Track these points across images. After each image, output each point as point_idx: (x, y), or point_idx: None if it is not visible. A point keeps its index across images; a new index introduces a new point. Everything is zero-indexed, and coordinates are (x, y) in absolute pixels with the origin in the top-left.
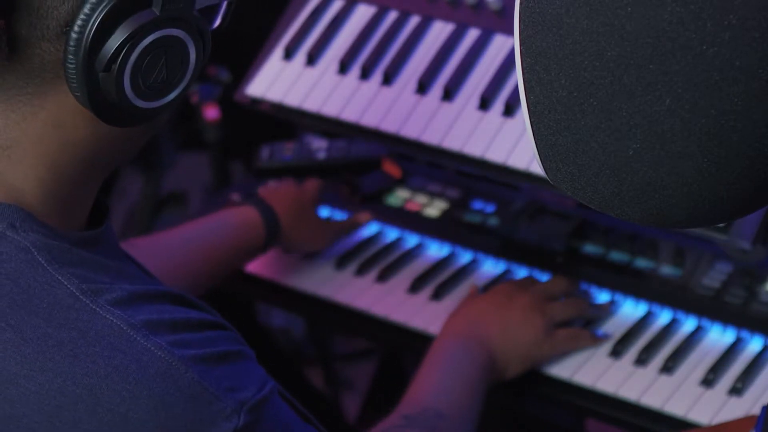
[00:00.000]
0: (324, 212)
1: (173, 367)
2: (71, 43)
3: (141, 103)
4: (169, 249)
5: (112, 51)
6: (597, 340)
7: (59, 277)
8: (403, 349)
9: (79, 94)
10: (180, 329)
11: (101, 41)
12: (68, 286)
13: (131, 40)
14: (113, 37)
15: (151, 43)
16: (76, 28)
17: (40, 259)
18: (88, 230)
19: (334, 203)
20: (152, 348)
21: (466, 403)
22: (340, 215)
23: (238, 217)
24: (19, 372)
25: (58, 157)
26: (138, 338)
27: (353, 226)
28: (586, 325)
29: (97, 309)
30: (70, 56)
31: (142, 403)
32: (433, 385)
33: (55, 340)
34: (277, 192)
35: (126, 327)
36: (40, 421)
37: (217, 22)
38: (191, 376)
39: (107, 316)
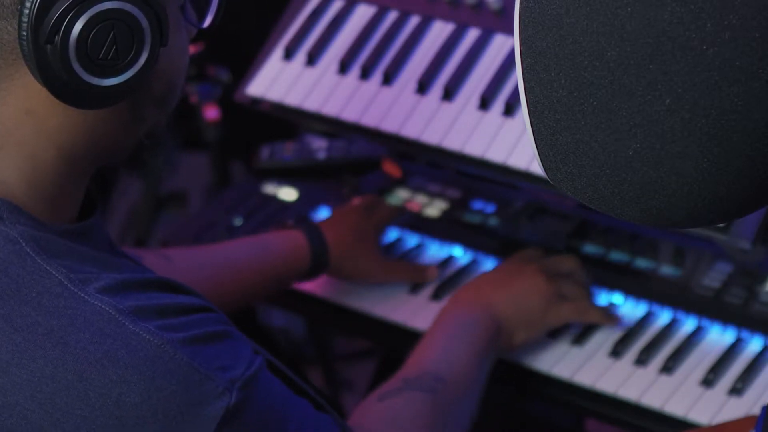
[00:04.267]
0: (325, 213)
1: (162, 350)
2: (23, 18)
3: (93, 80)
4: (203, 263)
5: (54, 20)
6: (611, 318)
7: (47, 267)
8: (403, 349)
9: (32, 69)
10: (168, 314)
11: (46, 12)
12: (56, 275)
13: (73, 10)
14: (55, 6)
15: (96, 14)
16: (27, 3)
17: (28, 249)
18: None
19: (334, 203)
20: (141, 332)
21: (468, 369)
22: None
23: (282, 241)
24: (10, 361)
25: (35, 146)
26: (126, 323)
27: (419, 277)
28: (589, 327)
29: (85, 296)
30: (23, 32)
31: (134, 387)
32: (435, 350)
33: (44, 328)
34: (334, 220)
35: (114, 313)
36: (33, 409)
37: (209, 19)
38: (181, 357)
39: (96, 303)
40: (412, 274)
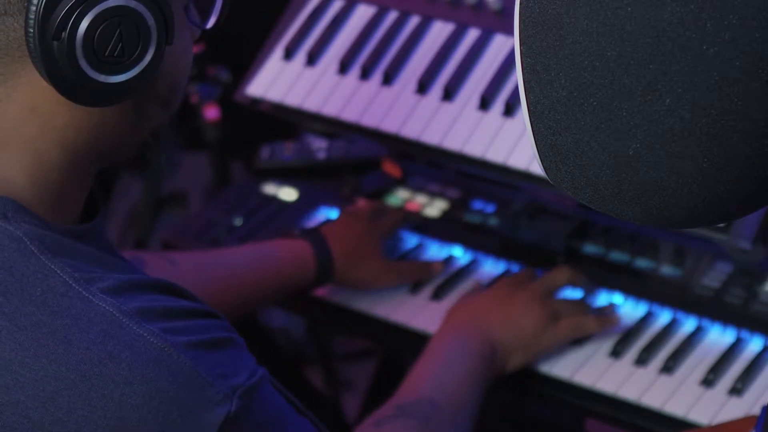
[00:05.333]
0: (328, 214)
1: (166, 354)
2: (30, 15)
3: (99, 77)
4: (207, 269)
5: (61, 17)
6: (608, 322)
7: (52, 266)
8: (403, 349)
9: (38, 66)
10: (172, 317)
11: (52, 9)
12: (61, 274)
13: (79, 7)
14: (62, 3)
15: (103, 11)
16: (34, 0)
17: (33, 248)
18: (81, 224)
19: (334, 203)
20: (145, 335)
21: (462, 395)
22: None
23: (287, 251)
24: (13, 359)
25: (40, 144)
26: (131, 325)
27: (424, 273)
28: None
29: (90, 297)
30: (30, 29)
31: (136, 389)
32: (429, 377)
33: (48, 327)
34: (338, 228)
35: (119, 314)
36: (35, 408)
37: (212, 21)
38: (184, 362)
39: (100, 304)
40: (418, 273)
